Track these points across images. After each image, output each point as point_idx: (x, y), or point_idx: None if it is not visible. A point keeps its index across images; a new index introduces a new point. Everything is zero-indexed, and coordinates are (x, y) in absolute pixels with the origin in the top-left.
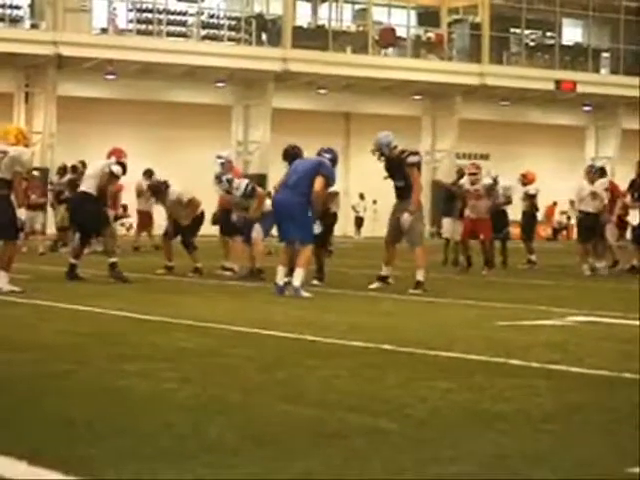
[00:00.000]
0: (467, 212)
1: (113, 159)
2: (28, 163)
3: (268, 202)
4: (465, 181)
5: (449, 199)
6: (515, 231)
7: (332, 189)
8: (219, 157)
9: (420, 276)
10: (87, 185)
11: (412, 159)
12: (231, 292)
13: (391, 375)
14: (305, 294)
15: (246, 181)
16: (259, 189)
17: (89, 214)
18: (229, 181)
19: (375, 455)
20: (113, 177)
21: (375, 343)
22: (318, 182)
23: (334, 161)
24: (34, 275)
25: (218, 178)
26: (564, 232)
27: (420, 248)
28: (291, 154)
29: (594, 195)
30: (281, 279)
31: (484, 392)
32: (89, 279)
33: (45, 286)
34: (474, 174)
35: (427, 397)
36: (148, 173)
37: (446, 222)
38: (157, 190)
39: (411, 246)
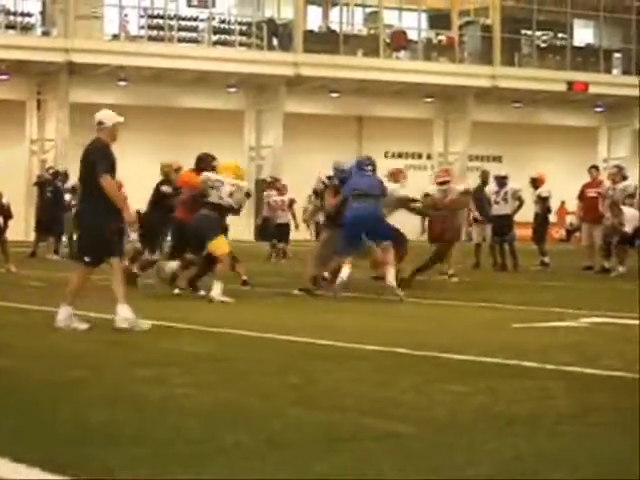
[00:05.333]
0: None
1: None
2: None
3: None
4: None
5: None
6: (527, 233)
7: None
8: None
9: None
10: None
11: None
12: (241, 297)
13: (405, 379)
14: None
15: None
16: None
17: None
18: None
19: (390, 459)
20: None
21: (389, 346)
22: None
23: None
24: (48, 282)
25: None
26: (577, 234)
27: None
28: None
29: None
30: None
31: (499, 395)
32: (99, 286)
33: (59, 293)
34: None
35: (441, 401)
36: None
37: (475, 227)
38: None
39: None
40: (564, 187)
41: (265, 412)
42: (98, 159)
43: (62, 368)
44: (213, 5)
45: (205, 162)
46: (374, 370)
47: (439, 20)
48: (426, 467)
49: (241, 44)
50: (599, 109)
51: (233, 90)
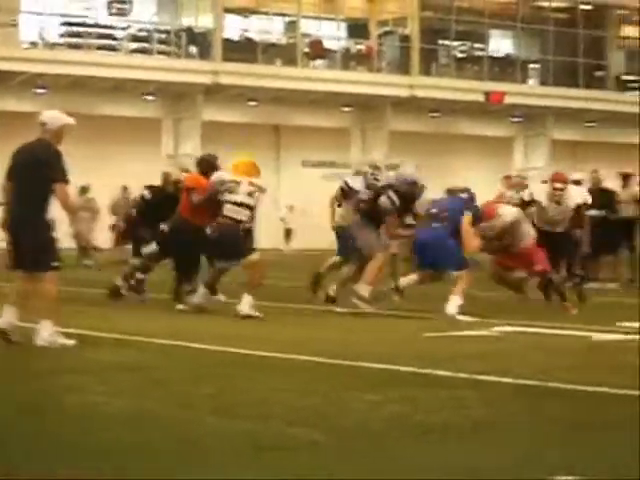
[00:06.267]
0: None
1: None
2: None
3: None
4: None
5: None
6: None
7: None
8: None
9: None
10: None
11: None
12: (160, 306)
13: (320, 387)
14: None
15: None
16: None
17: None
18: None
19: (311, 467)
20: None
21: (305, 355)
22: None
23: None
24: None
25: None
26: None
27: None
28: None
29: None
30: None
31: (412, 404)
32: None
33: None
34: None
35: (356, 409)
36: None
37: None
38: None
39: None
40: (482, 196)
41: (185, 421)
42: (53, 164)
43: None
44: (131, 13)
45: (208, 164)
46: (291, 379)
47: (358, 29)
48: (346, 475)
49: (159, 52)
50: (516, 119)
51: (151, 98)
